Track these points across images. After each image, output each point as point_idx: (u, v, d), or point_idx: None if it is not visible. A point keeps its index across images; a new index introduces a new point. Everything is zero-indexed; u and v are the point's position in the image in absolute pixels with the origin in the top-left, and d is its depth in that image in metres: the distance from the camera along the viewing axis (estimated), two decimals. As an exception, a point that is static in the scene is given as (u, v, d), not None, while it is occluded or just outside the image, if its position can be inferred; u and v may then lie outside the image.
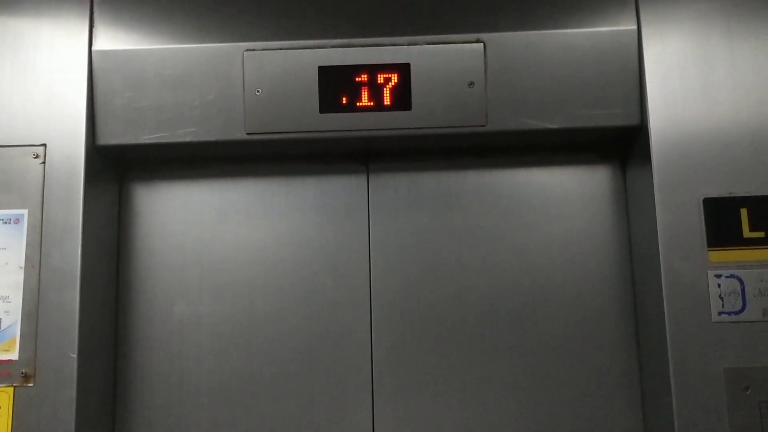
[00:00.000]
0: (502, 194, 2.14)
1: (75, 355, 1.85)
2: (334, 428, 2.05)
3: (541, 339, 2.07)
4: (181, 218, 2.16)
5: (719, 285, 1.80)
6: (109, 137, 1.99)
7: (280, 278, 2.12)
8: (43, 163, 1.94)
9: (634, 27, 1.94)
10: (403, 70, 1.95)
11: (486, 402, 2.05)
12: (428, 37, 1.96)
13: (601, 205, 2.12)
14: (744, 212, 1.83)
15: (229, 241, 2.15)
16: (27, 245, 1.91)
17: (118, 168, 2.16)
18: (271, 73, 1.97)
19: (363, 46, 1.97)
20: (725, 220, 1.83)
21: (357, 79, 1.95)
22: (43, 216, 1.92)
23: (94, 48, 1.99)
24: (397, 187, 2.15)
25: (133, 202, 2.18)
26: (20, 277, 1.90)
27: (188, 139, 1.98)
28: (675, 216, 1.84)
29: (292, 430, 2.06)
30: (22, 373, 1.86)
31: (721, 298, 1.80)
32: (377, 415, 2.06)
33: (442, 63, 1.95)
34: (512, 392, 2.05)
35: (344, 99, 1.95)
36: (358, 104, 1.95)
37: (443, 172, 2.15)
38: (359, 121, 1.95)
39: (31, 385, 1.85)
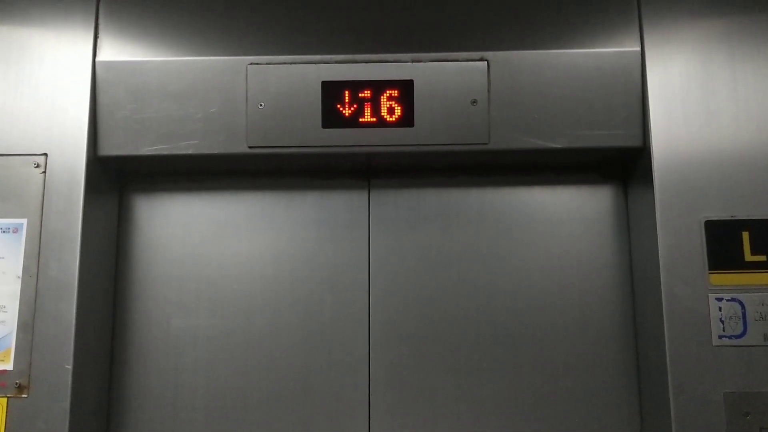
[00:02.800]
0: (504, 213, 2.13)
1: (70, 367, 1.84)
2: (329, 447, 2.04)
3: (539, 360, 2.06)
4: (181, 231, 2.15)
5: (720, 308, 1.79)
6: (110, 148, 1.98)
7: (279, 293, 2.11)
8: (44, 172, 1.93)
9: (638, 48, 1.95)
10: (407, 86, 1.95)
11: (484, 423, 2.03)
12: (432, 54, 1.97)
13: (602, 225, 2.11)
14: (746, 235, 1.82)
15: (228, 255, 2.14)
16: (25, 255, 1.90)
17: (119, 179, 2.16)
18: (275, 87, 1.97)
19: (367, 62, 1.97)
20: (727, 243, 1.82)
21: (360, 95, 1.95)
22: (42, 226, 1.91)
23: (98, 59, 2.00)
24: (399, 204, 2.14)
25: (133, 213, 2.17)
26: (17, 287, 1.88)
27: (190, 151, 1.98)
28: (676, 238, 1.84)
29: (286, 448, 2.04)
30: (16, 384, 1.84)
31: (722, 322, 1.79)
32: (374, 432, 2.04)
33: (446, 80, 1.95)
34: (511, 414, 2.03)
35: (347, 114, 1.95)
36: (360, 120, 1.95)
37: (445, 190, 2.15)
38: (361, 136, 1.95)
39: (25, 396, 1.83)
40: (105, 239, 2.08)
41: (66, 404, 1.82)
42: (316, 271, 2.12)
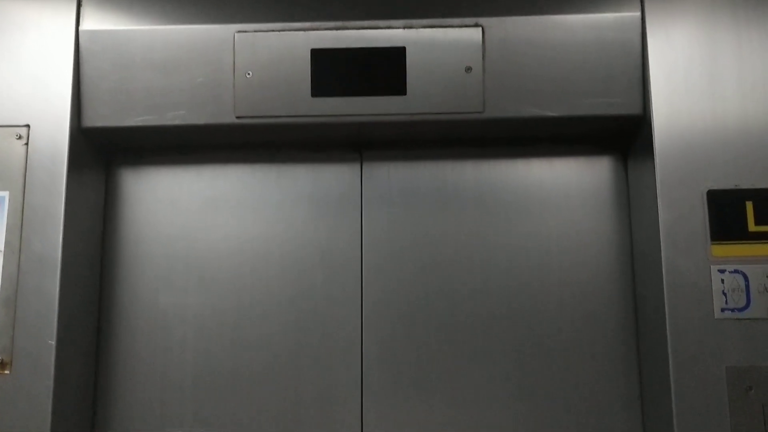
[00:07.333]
0: (500, 187, 2.07)
1: (53, 343, 1.80)
2: (321, 426, 1.99)
3: (537, 338, 2.00)
4: (169, 206, 2.11)
5: (722, 281, 1.73)
6: (95, 119, 1.94)
7: (269, 270, 2.06)
8: (26, 144, 1.89)
9: (638, 13, 1.88)
10: (399, 54, 1.90)
11: (478, 402, 1.98)
12: (425, 21, 1.91)
13: (602, 198, 2.06)
14: (749, 205, 1.76)
15: (217, 231, 2.09)
16: (7, 229, 1.85)
17: (105, 153, 2.11)
18: (263, 55, 1.91)
19: (357, 28, 1.92)
20: (730, 213, 1.76)
21: (351, 63, 1.90)
22: (25, 199, 1.87)
23: (81, 28, 1.95)
24: (392, 178, 2.09)
25: (120, 188, 2.12)
26: (-1, 261, 1.84)
27: (176, 122, 1.93)
28: (677, 209, 1.78)
29: (278, 427, 1.99)
30: (-2, 361, 1.80)
31: (725, 295, 1.73)
32: (366, 414, 1.99)
33: (439, 47, 1.90)
34: (507, 392, 1.99)
35: (337, 83, 1.90)
36: (351, 88, 1.90)
37: (439, 163, 2.09)
38: (352, 105, 1.90)
39: (7, 372, 1.79)
40: (91, 214, 2.03)
41: (49, 381, 1.78)
42: (307, 246, 2.07)
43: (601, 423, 1.96)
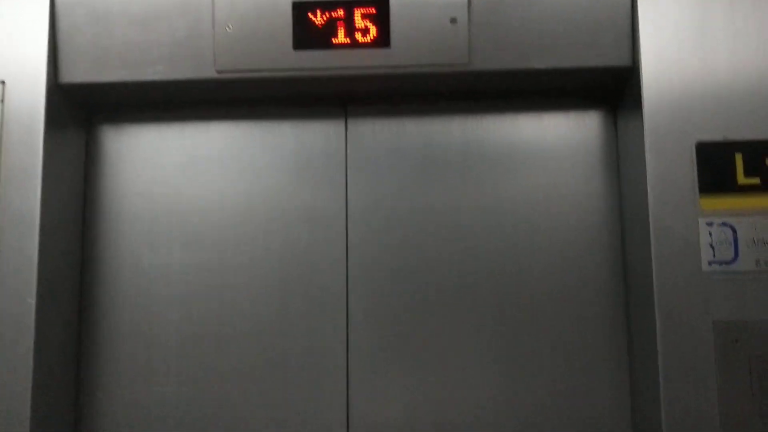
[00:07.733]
0: (487, 143, 2.04)
1: (33, 301, 1.77)
2: (306, 387, 1.97)
3: (524, 296, 1.98)
4: (151, 163, 2.07)
5: (710, 234, 1.71)
6: (73, 75, 1.90)
7: (253, 228, 2.03)
8: (2, 101, 1.85)
9: (628, -38, 1.84)
10: (382, 5, 1.85)
11: (464, 363, 1.97)
12: (409, -29, 1.86)
13: (591, 153, 2.02)
14: (739, 158, 1.73)
15: (201, 189, 2.05)
16: (-16, 188, 1.82)
17: (85, 109, 2.07)
18: (243, 8, 1.87)
19: (339, -21, 1.87)
20: (719, 165, 1.73)
21: (333, 14, 1.85)
22: (2, 157, 1.83)
23: (56, -19, 1.90)
24: (377, 133, 2.05)
25: (101, 146, 2.08)
26: (-23, 219, 1.81)
27: (156, 77, 1.89)
28: (666, 161, 1.75)
29: (262, 386, 1.98)
30: (-22, 320, 1.77)
31: (712, 248, 1.70)
32: (351, 375, 1.97)
33: (423, -2, 1.85)
34: (494, 352, 1.97)
35: (319, 36, 1.85)
36: (334, 41, 1.85)
37: (425, 118, 2.05)
38: (335, 58, 1.86)
39: (-13, 332, 1.77)
40: (71, 171, 2.00)
41: (30, 340, 1.76)
42: (293, 204, 2.04)
43: (589, 378, 1.94)
